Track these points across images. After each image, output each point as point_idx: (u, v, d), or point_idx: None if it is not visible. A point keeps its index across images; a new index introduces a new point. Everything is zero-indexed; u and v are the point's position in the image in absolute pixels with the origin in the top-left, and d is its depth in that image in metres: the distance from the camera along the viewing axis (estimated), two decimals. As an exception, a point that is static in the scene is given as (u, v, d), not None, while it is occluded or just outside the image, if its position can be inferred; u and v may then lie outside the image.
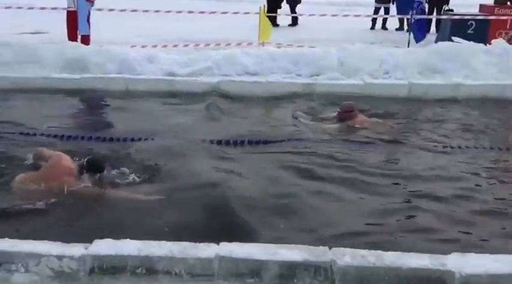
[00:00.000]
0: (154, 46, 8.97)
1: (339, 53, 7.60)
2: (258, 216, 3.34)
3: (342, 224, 3.30)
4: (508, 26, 9.28)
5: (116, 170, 3.94)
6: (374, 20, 13.21)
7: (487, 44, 7.91)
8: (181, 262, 2.46)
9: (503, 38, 8.48)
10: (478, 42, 7.92)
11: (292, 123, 5.63)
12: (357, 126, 5.44)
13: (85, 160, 3.70)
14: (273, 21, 11.63)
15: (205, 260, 2.47)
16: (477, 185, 4.04)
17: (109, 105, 6.48)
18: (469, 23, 9.54)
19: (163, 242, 2.57)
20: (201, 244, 2.58)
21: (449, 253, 2.54)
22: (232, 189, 3.71)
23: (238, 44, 9.09)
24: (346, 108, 5.58)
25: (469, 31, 9.36)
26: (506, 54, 7.48)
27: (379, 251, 2.55)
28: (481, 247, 3.03)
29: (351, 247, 2.57)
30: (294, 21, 13.54)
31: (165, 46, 9.07)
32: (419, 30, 9.82)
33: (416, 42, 9.43)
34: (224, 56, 7.61)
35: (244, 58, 7.58)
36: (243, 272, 2.45)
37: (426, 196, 3.76)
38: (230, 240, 2.62)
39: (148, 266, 2.46)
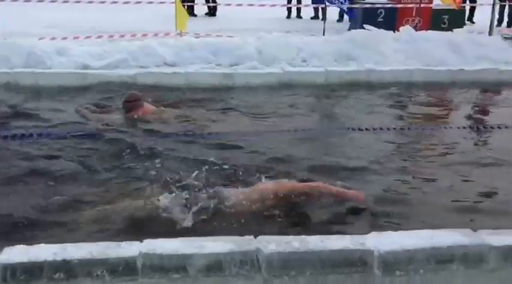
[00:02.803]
0: (65, 38, 8.50)
1: (257, 42, 7.65)
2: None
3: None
4: (413, 13, 9.81)
5: None
6: (289, 9, 13.43)
7: (396, 31, 8.33)
8: (102, 263, 2.36)
9: (410, 25, 8.95)
10: (387, 29, 8.31)
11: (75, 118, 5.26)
12: (142, 116, 5.16)
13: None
14: (191, 11, 11.47)
15: (128, 259, 2.38)
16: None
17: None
18: (378, 12, 9.97)
19: (81, 244, 2.45)
20: (123, 243, 2.49)
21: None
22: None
23: (155, 35, 8.87)
24: (130, 98, 5.28)
25: (379, 19, 9.79)
26: (413, 41, 7.92)
27: (303, 236, 2.60)
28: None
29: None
30: (211, 11, 13.43)
31: (76, 38, 8.64)
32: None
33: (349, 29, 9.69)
34: (140, 47, 7.39)
35: (161, 49, 7.42)
36: (169, 268, 2.39)
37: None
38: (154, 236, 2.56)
39: (67, 270, 2.33)
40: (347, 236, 2.62)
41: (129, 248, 2.44)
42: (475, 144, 4.98)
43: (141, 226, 3.05)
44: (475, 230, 2.66)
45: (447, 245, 2.53)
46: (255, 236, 2.58)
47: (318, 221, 3.25)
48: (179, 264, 2.38)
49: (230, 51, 7.46)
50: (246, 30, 9.68)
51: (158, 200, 3.24)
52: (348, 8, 10.12)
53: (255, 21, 11.42)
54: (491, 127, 5.37)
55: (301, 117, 5.63)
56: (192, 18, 11.38)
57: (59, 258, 2.33)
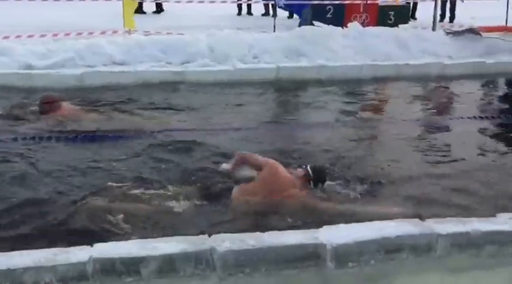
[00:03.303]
0: (6, 37, 8.13)
1: (208, 39, 7.59)
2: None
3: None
4: (361, 10, 10.01)
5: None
6: (240, 6, 13.42)
7: (344, 27, 8.48)
8: (51, 270, 2.27)
9: (358, 21, 9.13)
10: (336, 25, 8.44)
11: None
12: (59, 118, 4.98)
13: (307, 168, 3.22)
14: (140, 8, 11.23)
15: (77, 265, 2.31)
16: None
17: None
18: (327, 8, 10.10)
19: (28, 251, 2.35)
20: (72, 248, 2.41)
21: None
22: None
23: (102, 33, 8.63)
24: (45, 99, 5.11)
25: (327, 15, 9.92)
26: (361, 37, 8.09)
27: (258, 233, 2.60)
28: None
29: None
30: (159, 8, 13.19)
31: (18, 36, 8.28)
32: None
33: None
34: (87, 46, 7.18)
35: (109, 47, 7.23)
36: (121, 271, 2.34)
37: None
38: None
39: (12, 280, 2.23)
40: (300, 231, 2.65)
41: (79, 254, 2.37)
42: (423, 137, 5.14)
43: (91, 231, 2.97)
44: (422, 220, 2.75)
45: (396, 236, 2.60)
46: (209, 235, 2.57)
47: (273, 216, 3.26)
48: (132, 267, 2.33)
49: (181, 49, 7.37)
50: (196, 27, 9.59)
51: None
52: (297, 4, 10.18)
53: (206, 18, 11.33)
54: (438, 120, 5.57)
55: (249, 114, 5.63)
56: (141, 15, 11.16)
57: (3, 267, 2.23)
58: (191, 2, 10.43)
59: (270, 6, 12.07)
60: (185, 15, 11.74)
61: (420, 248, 2.59)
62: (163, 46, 7.43)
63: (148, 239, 2.55)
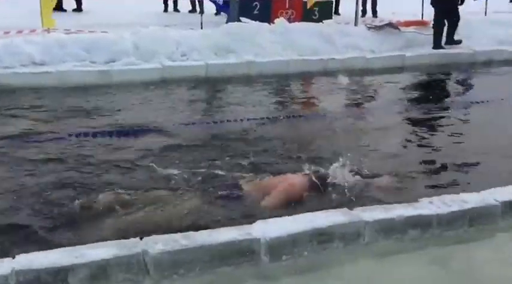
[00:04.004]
0: None
1: (133, 37, 7.41)
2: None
3: None
4: (287, 6, 10.18)
5: None
6: (166, 3, 13.20)
7: (271, 23, 8.58)
8: (-32, 288, 2.13)
9: (284, 17, 9.28)
10: (263, 21, 8.52)
11: None
12: None
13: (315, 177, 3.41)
14: (59, 6, 10.71)
15: (-1, 279, 2.18)
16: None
17: None
18: (254, 4, 10.18)
19: None
20: (-8, 261, 2.27)
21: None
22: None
23: (19, 32, 8.14)
24: None
25: (254, 12, 9.99)
26: (288, 32, 8.23)
27: (191, 232, 2.58)
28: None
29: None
30: (79, 5, 12.65)
31: None
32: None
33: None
34: (3, 45, 6.77)
35: (28, 47, 6.86)
36: (47, 282, 2.23)
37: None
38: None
39: None
40: (234, 228, 2.65)
41: (0, 266, 2.23)
42: (352, 129, 5.30)
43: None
44: (350, 209, 2.85)
45: (327, 226, 2.68)
46: (141, 238, 2.51)
47: (208, 214, 3.25)
48: (59, 277, 2.23)
49: (105, 47, 7.13)
50: (120, 25, 9.30)
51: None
52: (224, 1, 10.21)
53: (130, 16, 11.01)
54: (365, 111, 5.79)
55: (179, 112, 5.57)
56: (61, 13, 10.66)
57: None
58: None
59: (197, 2, 11.96)
60: (108, 12, 11.34)
61: (349, 237, 2.69)
62: (85, 44, 7.15)
63: (76, 247, 2.44)
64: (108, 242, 2.48)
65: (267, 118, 5.34)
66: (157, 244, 2.43)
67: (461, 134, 5.00)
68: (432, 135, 5.05)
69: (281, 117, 5.45)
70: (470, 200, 2.93)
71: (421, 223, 2.77)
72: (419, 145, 4.67)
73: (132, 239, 2.50)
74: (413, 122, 5.40)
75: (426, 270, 2.53)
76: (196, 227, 2.69)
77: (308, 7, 9.90)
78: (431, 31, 8.60)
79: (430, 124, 5.36)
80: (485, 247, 2.72)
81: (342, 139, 4.70)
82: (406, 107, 5.95)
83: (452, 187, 3.58)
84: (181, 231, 2.60)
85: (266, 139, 4.65)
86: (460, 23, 8.56)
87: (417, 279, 2.47)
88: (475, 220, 2.86)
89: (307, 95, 6.72)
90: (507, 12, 12.14)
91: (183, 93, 6.41)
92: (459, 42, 8.65)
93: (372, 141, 4.66)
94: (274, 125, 5.16)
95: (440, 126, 5.37)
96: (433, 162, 4.18)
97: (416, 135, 4.98)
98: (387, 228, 2.73)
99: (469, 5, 9.41)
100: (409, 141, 4.78)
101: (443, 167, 4.05)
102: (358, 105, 6.21)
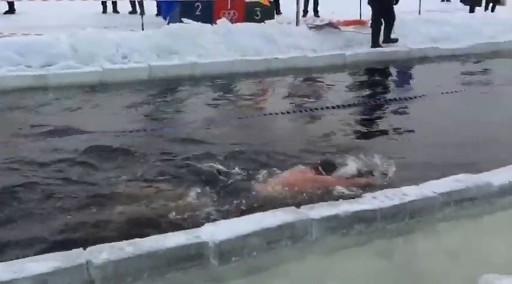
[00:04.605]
0: None
1: (70, 39, 7.16)
2: None
3: None
4: (229, 7, 10.18)
5: None
6: (104, 3, 12.85)
7: (213, 24, 8.55)
8: None
9: (226, 18, 9.27)
10: (205, 22, 8.48)
11: None
12: None
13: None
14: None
15: None
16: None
17: None
18: (196, 5, 10.11)
19: None
20: None
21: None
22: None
23: None
24: None
25: (196, 12, 9.92)
26: (231, 33, 8.23)
27: (137, 239, 2.52)
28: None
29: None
30: (11, 8, 12.08)
31: None
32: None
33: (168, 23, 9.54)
34: None
35: (-45, 51, 6.48)
36: (-17, 301, 2.11)
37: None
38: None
39: None
40: (182, 232, 2.62)
41: None
42: (298, 127, 5.38)
43: None
44: (298, 207, 2.89)
45: (276, 225, 2.70)
46: (84, 248, 2.42)
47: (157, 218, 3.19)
48: (-4, 295, 2.12)
49: (40, 51, 6.85)
50: (57, 27, 8.97)
51: None
52: (165, 1, 10.08)
53: (67, 17, 10.64)
54: (310, 109, 5.87)
55: (123, 116, 5.44)
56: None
57: None
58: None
59: (137, 3, 11.72)
60: (43, 14, 10.90)
61: (297, 235, 2.72)
62: (19, 48, 6.84)
63: (15, 261, 2.33)
64: (50, 254, 2.38)
65: (213, 120, 5.31)
66: (102, 254, 2.36)
67: (400, 128, 5.20)
68: (373, 127, 5.23)
69: (229, 118, 5.43)
70: (410, 193, 3.04)
71: (366, 218, 2.85)
72: (357, 137, 4.85)
73: (75, 250, 2.41)
74: (357, 117, 5.57)
75: (371, 263, 2.61)
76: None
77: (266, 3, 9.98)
78: (370, 30, 8.86)
79: (371, 118, 5.56)
80: (426, 238, 2.83)
81: (295, 138, 4.77)
82: (348, 103, 6.11)
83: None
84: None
85: (212, 142, 4.62)
86: (396, 22, 8.87)
87: (362, 273, 2.54)
88: (416, 213, 2.98)
89: (253, 95, 6.74)
90: (439, 11, 12.73)
91: (124, 97, 6.26)
92: (396, 40, 8.97)
93: (324, 136, 4.76)
94: (222, 127, 5.14)
95: (380, 119, 5.58)
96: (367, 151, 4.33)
97: (362, 129, 5.14)
98: (333, 224, 2.78)
99: (404, 4, 9.78)
100: (347, 132, 4.93)
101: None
102: (304, 103, 6.32)
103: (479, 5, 13.62)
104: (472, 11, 13.09)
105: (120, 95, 6.32)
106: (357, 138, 4.88)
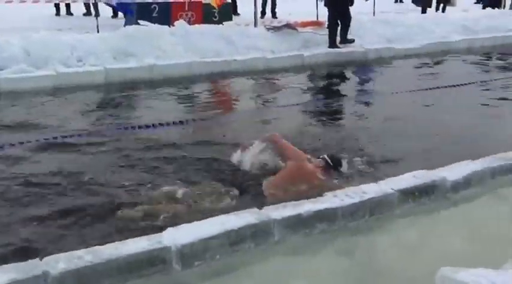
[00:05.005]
0: None
1: (22, 42, 6.92)
2: None
3: None
4: (186, 8, 10.10)
5: None
6: (57, 6, 12.49)
7: (171, 26, 8.46)
8: None
9: (184, 19, 9.20)
10: (163, 24, 8.38)
11: None
12: None
13: (326, 157, 3.57)
14: None
15: None
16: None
17: None
18: (152, 7, 9.99)
19: None
20: None
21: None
22: None
23: None
24: None
25: (153, 14, 9.80)
26: (189, 35, 8.17)
27: (96, 247, 2.46)
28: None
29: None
30: None
31: None
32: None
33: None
34: None
35: None
36: None
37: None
38: None
39: None
40: (144, 237, 2.57)
41: None
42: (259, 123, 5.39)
43: None
44: (260, 209, 2.88)
45: (238, 227, 2.68)
46: (41, 258, 2.34)
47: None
48: None
49: (-10, 54, 6.59)
50: (8, 30, 8.65)
51: None
52: (121, 3, 9.91)
53: (18, 20, 10.30)
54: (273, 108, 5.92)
55: (80, 121, 5.30)
56: None
57: None
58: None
59: (91, 5, 11.45)
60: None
61: (260, 236, 2.72)
62: (-33, 52, 6.57)
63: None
64: (4, 266, 2.28)
65: (173, 123, 5.24)
66: (59, 263, 2.28)
67: (358, 123, 5.31)
68: (330, 124, 5.34)
69: (189, 121, 5.38)
70: (369, 191, 3.09)
71: (327, 217, 2.88)
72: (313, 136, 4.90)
73: (30, 261, 2.32)
74: (316, 116, 5.67)
75: (334, 262, 2.63)
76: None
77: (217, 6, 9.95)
78: (327, 31, 9.00)
79: (330, 117, 5.66)
80: (386, 235, 2.89)
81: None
82: (308, 103, 6.18)
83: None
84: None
85: (175, 145, 4.56)
86: (352, 23, 9.04)
87: (326, 272, 2.57)
88: (375, 210, 3.04)
89: (213, 97, 6.71)
90: (393, 12, 13.07)
91: (80, 101, 6.10)
92: (352, 41, 9.14)
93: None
94: (182, 130, 5.09)
95: (339, 117, 5.71)
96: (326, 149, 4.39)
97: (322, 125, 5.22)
98: (296, 224, 2.80)
99: (359, 5, 9.99)
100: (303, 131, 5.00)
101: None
102: (265, 103, 6.35)
103: (431, 6, 14.09)
104: (424, 11, 13.52)
105: (75, 99, 6.15)
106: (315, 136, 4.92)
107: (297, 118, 5.51)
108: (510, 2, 13.09)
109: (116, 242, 2.51)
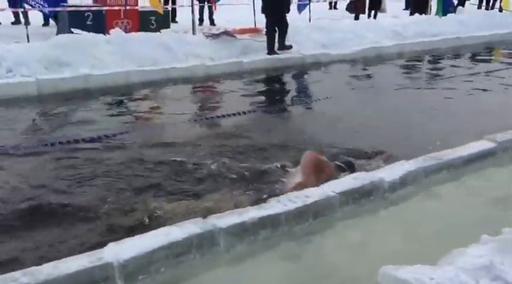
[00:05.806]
0: None
1: None
2: None
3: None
4: (122, 16, 9.89)
5: None
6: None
7: (106, 34, 8.25)
8: None
9: (120, 27, 9.00)
10: (98, 32, 8.16)
11: None
12: None
13: (339, 163, 3.84)
14: None
15: None
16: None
17: None
18: (86, 15, 9.71)
19: None
20: None
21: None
22: None
23: None
24: None
25: (87, 22, 9.53)
26: (125, 43, 7.99)
27: (33, 268, 2.34)
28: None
29: None
30: None
31: None
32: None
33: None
34: None
35: None
36: None
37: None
38: None
39: None
40: (83, 255, 2.48)
41: None
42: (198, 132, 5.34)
43: None
44: (204, 218, 2.86)
45: (182, 238, 2.64)
46: (-28, 284, 2.20)
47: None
48: None
49: None
50: None
51: None
52: (52, 11, 9.58)
53: None
54: (216, 116, 5.89)
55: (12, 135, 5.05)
56: None
57: None
58: None
59: (20, 13, 10.95)
60: None
61: (205, 245, 2.70)
62: None
63: None
64: None
65: (108, 135, 5.09)
66: (-6, 287, 2.16)
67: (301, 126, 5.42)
68: (274, 128, 5.43)
69: (126, 131, 5.25)
70: (312, 195, 3.15)
71: (271, 223, 2.90)
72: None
73: (-40, 287, 2.18)
74: (261, 121, 5.74)
75: (280, 267, 2.65)
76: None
77: (161, 11, 9.85)
78: (265, 38, 9.11)
79: (274, 120, 5.77)
80: (329, 237, 2.95)
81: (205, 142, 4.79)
82: (251, 109, 6.22)
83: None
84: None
85: (111, 160, 4.44)
86: (289, 30, 9.21)
87: (273, 277, 2.58)
88: (318, 213, 3.09)
89: (152, 106, 6.59)
90: (328, 18, 13.44)
91: (10, 114, 5.80)
92: (290, 47, 9.30)
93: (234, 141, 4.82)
94: (118, 141, 4.96)
95: (281, 119, 5.84)
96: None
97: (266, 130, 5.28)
98: (240, 232, 2.80)
99: (295, 12, 10.19)
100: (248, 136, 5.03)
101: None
102: (207, 110, 6.32)
103: (363, 13, 14.62)
104: (357, 18, 14.01)
105: (4, 112, 5.85)
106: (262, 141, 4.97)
107: (237, 125, 5.52)
108: (435, 9, 13.81)
109: (55, 261, 2.41)
